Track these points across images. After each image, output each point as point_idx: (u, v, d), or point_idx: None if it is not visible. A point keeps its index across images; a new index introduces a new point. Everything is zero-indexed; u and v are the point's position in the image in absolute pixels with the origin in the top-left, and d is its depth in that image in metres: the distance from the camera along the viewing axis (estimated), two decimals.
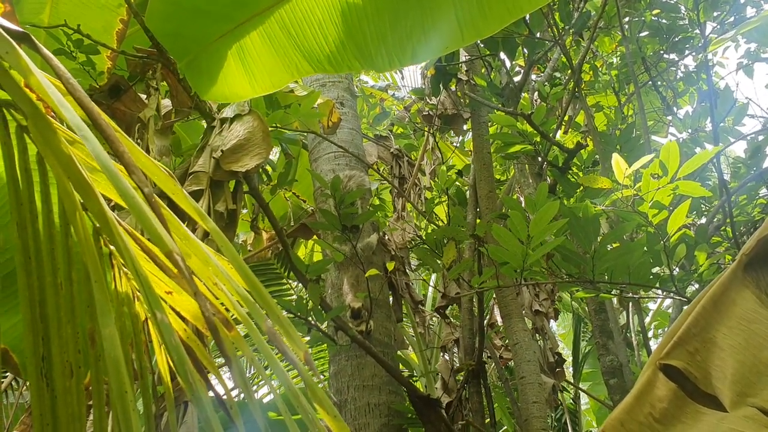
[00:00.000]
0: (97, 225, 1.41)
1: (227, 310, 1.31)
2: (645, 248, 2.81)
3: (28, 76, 1.08)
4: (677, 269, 3.03)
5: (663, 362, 1.54)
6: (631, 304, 5.28)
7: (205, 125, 3.51)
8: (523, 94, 4.29)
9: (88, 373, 1.40)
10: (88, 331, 1.39)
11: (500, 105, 4.16)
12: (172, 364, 1.44)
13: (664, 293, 3.04)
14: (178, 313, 1.43)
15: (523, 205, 3.67)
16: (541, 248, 2.63)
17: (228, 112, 3.25)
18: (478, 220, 4.27)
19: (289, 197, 5.52)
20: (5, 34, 1.07)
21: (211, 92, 2.54)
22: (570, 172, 3.83)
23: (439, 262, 3.91)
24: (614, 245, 2.96)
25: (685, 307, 3.83)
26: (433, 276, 7.86)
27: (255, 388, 7.29)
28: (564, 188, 3.67)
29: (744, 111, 4.81)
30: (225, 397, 1.33)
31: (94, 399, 1.34)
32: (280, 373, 1.09)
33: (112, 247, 1.45)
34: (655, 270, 3.08)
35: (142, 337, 1.43)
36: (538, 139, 3.57)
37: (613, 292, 3.03)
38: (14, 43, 1.12)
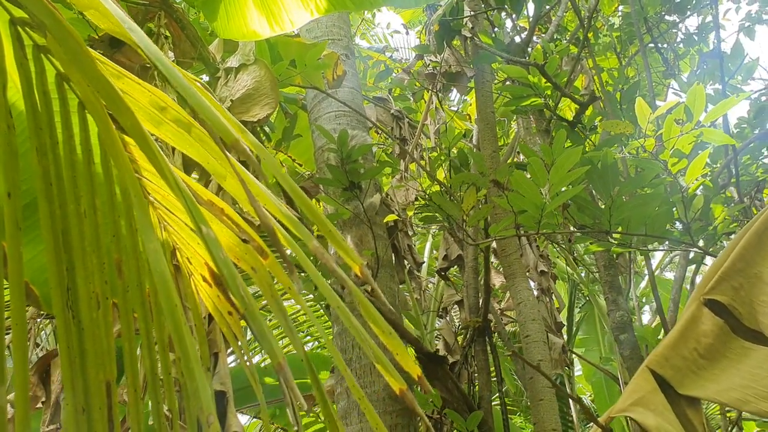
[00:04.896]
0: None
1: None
2: (662, 199, 2.77)
3: None
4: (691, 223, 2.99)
5: (707, 297, 1.49)
6: (631, 266, 5.27)
7: (206, 77, 3.40)
8: (530, 50, 4.21)
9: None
10: (115, 262, 1.33)
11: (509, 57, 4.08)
12: (214, 289, 1.38)
13: (678, 246, 3.00)
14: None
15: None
16: (559, 197, 2.57)
17: (233, 62, 3.15)
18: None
19: (283, 160, 5.41)
20: None
21: (229, 31, 2.45)
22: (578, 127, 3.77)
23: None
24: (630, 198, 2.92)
25: (696, 273, 3.80)
26: (428, 244, 7.80)
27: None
28: (573, 143, 3.61)
29: (753, 68, 4.76)
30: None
31: (124, 332, 1.27)
32: (327, 291, 1.03)
33: (137, 176, 1.38)
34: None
35: (170, 268, 1.36)
36: (549, 92, 3.49)
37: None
38: None
